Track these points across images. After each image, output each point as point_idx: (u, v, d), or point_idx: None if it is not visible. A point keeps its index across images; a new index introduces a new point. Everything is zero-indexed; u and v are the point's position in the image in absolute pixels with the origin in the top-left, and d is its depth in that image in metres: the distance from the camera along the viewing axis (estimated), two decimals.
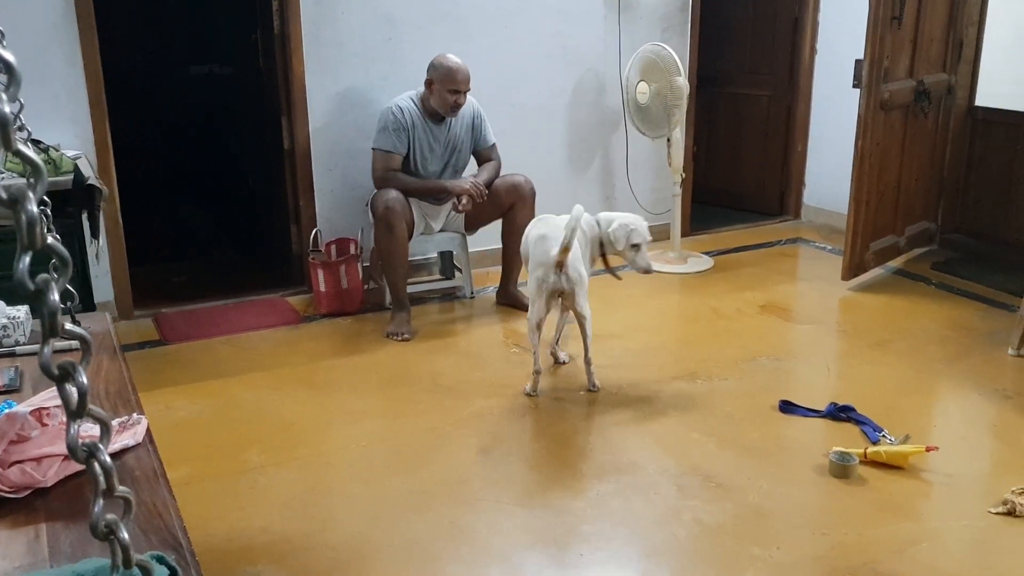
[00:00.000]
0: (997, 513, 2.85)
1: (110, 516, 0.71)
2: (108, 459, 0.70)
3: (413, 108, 4.39)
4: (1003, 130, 5.31)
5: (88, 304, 3.75)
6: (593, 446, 3.30)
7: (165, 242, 6.00)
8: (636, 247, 3.75)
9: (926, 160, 5.33)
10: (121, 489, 0.71)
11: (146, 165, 6.54)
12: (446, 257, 5.10)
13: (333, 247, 4.77)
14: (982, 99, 5.43)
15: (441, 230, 4.69)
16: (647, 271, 3.79)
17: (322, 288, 4.58)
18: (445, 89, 4.31)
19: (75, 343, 0.75)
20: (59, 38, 4.12)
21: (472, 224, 4.71)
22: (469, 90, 4.37)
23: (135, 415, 1.86)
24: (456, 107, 4.36)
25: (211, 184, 6.91)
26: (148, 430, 1.82)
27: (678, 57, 5.12)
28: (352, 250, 4.72)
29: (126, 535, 0.71)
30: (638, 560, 2.65)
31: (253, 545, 2.70)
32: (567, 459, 3.21)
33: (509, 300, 4.75)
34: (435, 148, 4.46)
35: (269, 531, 2.77)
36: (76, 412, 0.68)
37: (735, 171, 6.66)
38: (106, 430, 0.71)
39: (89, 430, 1.79)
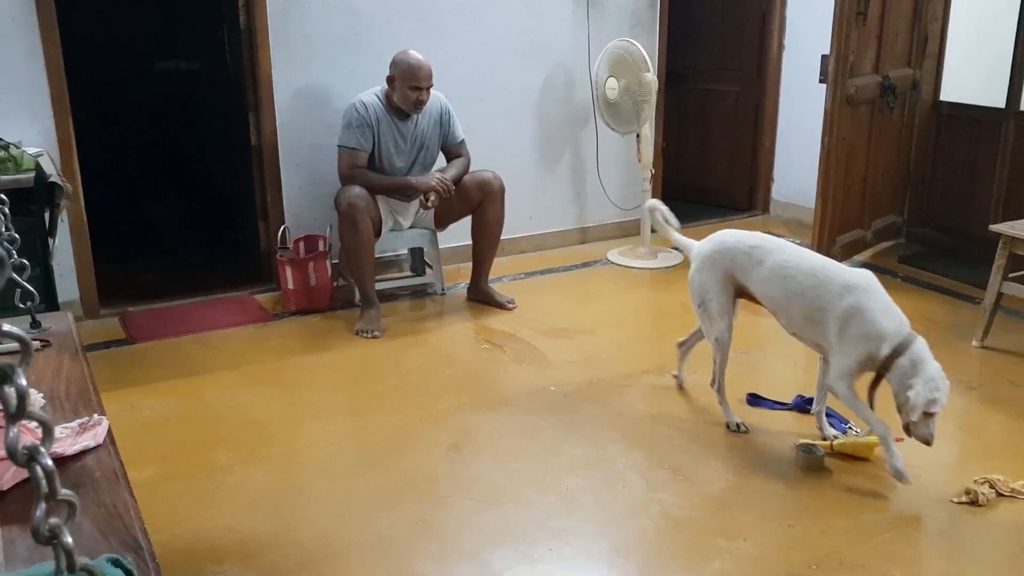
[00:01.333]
0: (960, 503, 2.88)
1: (53, 520, 0.70)
2: (50, 462, 0.69)
3: (378, 104, 4.37)
4: (968, 124, 5.36)
5: (51, 304, 3.70)
6: (562, 441, 3.30)
7: (131, 240, 5.93)
8: (930, 415, 2.89)
9: (892, 154, 5.38)
10: (64, 492, 0.70)
11: (112, 162, 6.47)
12: (416, 254, 5.09)
13: (301, 244, 4.74)
14: (947, 94, 5.48)
15: (411, 227, 4.68)
16: (927, 443, 2.91)
17: (290, 285, 4.55)
18: (406, 86, 4.29)
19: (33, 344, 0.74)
20: (18, 32, 4.05)
21: (442, 220, 4.69)
22: (431, 86, 4.35)
23: (96, 416, 1.83)
24: (418, 104, 4.33)
25: (178, 181, 6.85)
26: (109, 431, 1.79)
27: (647, 53, 5.13)
28: (321, 247, 4.69)
29: (69, 539, 0.70)
30: (606, 554, 2.66)
31: (220, 545, 2.68)
32: (536, 454, 3.21)
33: (480, 297, 4.74)
34: (401, 144, 4.44)
35: (236, 530, 2.75)
36: (15, 415, 0.67)
37: (704, 166, 6.69)
38: (48, 432, 0.70)
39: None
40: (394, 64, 4.32)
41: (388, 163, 4.42)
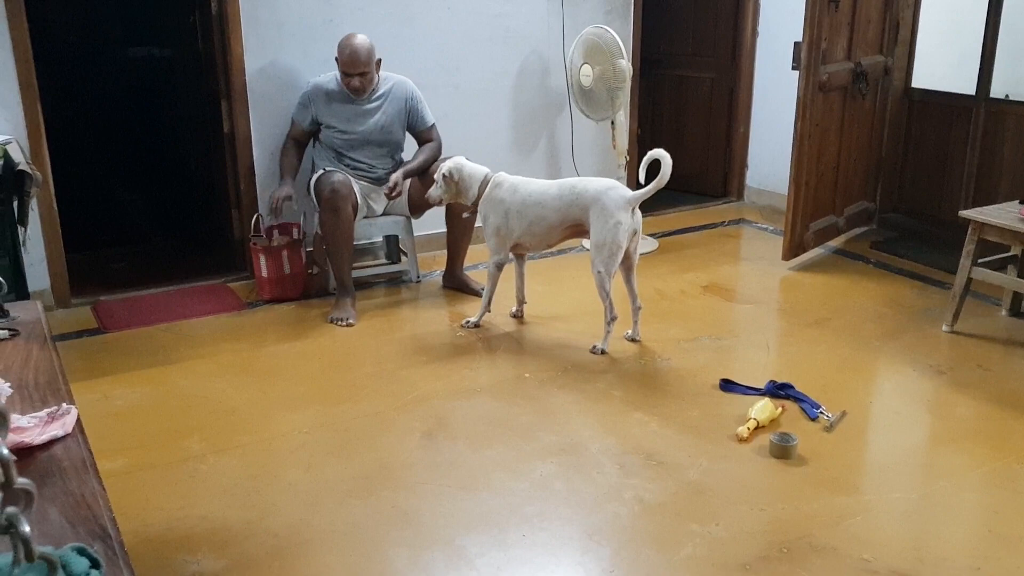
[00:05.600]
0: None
1: (10, 509, 0.70)
2: (6, 451, 0.68)
3: (333, 82, 4.44)
4: (938, 111, 5.41)
5: (22, 292, 3.67)
6: (537, 427, 3.32)
7: (103, 228, 5.88)
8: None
9: (864, 141, 5.41)
10: (21, 481, 0.70)
11: (83, 150, 6.41)
12: (391, 241, 5.08)
13: (275, 232, 4.72)
14: (918, 80, 5.53)
15: (385, 213, 4.66)
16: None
17: (264, 274, 4.53)
18: (341, 71, 4.36)
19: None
20: None
21: (417, 207, 4.68)
22: (365, 72, 4.35)
23: (65, 405, 1.82)
24: (354, 90, 4.38)
25: (150, 169, 6.79)
26: (78, 420, 1.78)
27: (621, 39, 5.13)
28: (294, 235, 4.67)
29: (27, 528, 0.70)
30: (579, 539, 2.67)
31: (193, 534, 2.68)
32: (510, 441, 3.22)
33: (455, 284, 4.74)
34: (355, 122, 4.44)
35: (209, 519, 2.75)
36: None
37: (679, 153, 6.59)
38: (3, 421, 0.70)
39: (16, 421, 1.76)
40: (337, 48, 4.35)
41: (343, 140, 4.45)
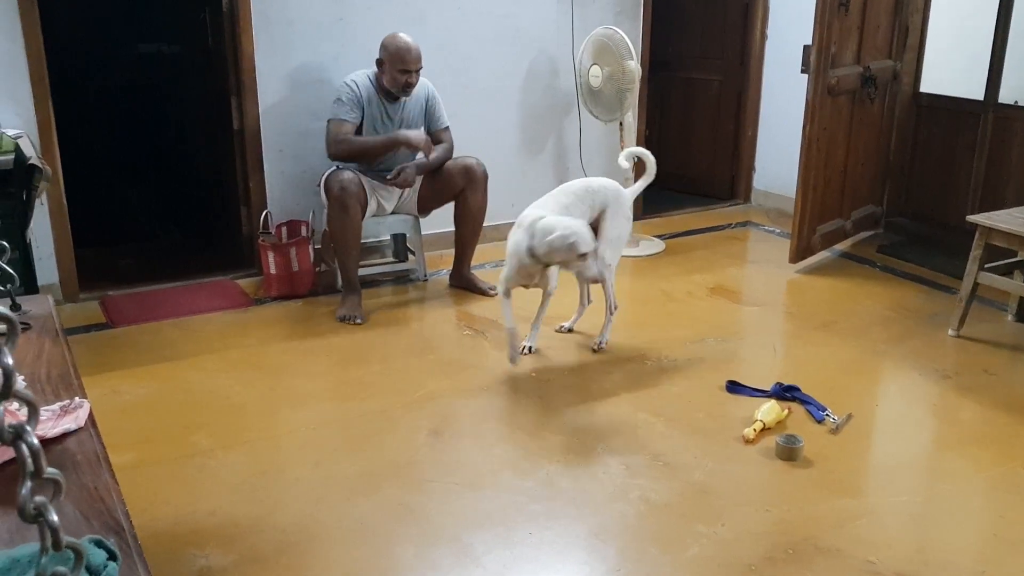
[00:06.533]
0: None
1: (39, 498, 0.71)
2: (35, 441, 0.70)
3: (368, 84, 4.40)
4: (946, 116, 5.40)
5: (31, 287, 3.68)
6: (543, 427, 3.33)
7: (112, 224, 5.90)
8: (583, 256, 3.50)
9: (872, 145, 5.41)
10: (50, 471, 0.71)
11: (92, 145, 6.43)
12: (399, 240, 5.09)
13: (284, 229, 4.74)
14: (927, 85, 5.52)
15: (393, 212, 4.67)
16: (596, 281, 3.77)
17: (272, 271, 4.54)
18: (395, 69, 4.30)
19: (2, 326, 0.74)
20: None
21: (425, 207, 4.70)
22: (420, 69, 4.36)
23: (77, 399, 1.83)
24: (407, 87, 4.34)
25: (159, 165, 6.81)
26: (91, 414, 1.79)
27: (630, 41, 5.13)
28: (303, 232, 4.69)
29: (55, 517, 0.71)
30: (585, 539, 2.68)
31: (201, 529, 2.69)
32: (517, 440, 3.23)
33: (462, 283, 4.75)
34: (388, 126, 4.43)
35: (217, 514, 2.76)
36: (1, 394, 0.67)
37: (686, 155, 6.71)
38: (34, 411, 0.71)
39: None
40: (383, 47, 4.34)
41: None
